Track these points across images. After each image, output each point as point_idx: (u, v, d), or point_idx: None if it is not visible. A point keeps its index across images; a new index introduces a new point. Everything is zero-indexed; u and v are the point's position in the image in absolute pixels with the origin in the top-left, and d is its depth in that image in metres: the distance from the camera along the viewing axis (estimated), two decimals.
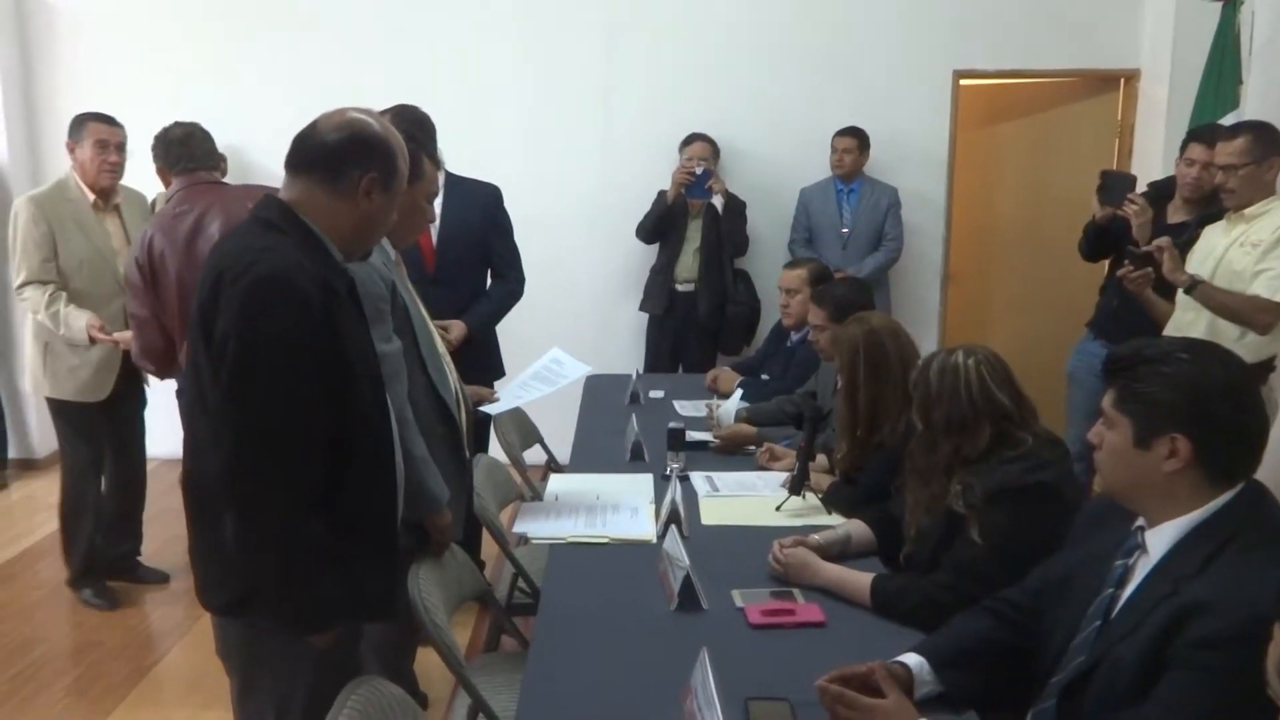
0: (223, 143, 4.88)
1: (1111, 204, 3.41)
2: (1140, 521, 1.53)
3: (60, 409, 3.56)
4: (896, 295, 5.04)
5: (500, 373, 3.50)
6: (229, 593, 1.70)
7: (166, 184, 3.17)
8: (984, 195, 5.40)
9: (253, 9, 5.00)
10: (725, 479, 2.82)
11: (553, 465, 3.81)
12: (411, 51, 4.97)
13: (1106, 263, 3.93)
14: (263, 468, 1.58)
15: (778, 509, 2.53)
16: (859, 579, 2.03)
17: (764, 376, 3.75)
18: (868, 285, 3.89)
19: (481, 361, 3.31)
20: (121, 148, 3.54)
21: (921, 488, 2.10)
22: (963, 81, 5.05)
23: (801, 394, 3.36)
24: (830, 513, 2.51)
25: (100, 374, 3.49)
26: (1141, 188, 3.67)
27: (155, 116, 5.03)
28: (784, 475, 2.70)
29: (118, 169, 3.55)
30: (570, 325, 4.90)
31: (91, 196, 3.52)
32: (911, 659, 1.65)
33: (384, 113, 2.60)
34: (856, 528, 2.28)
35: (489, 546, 3.23)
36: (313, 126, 1.78)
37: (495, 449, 3.34)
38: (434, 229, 3.23)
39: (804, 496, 2.54)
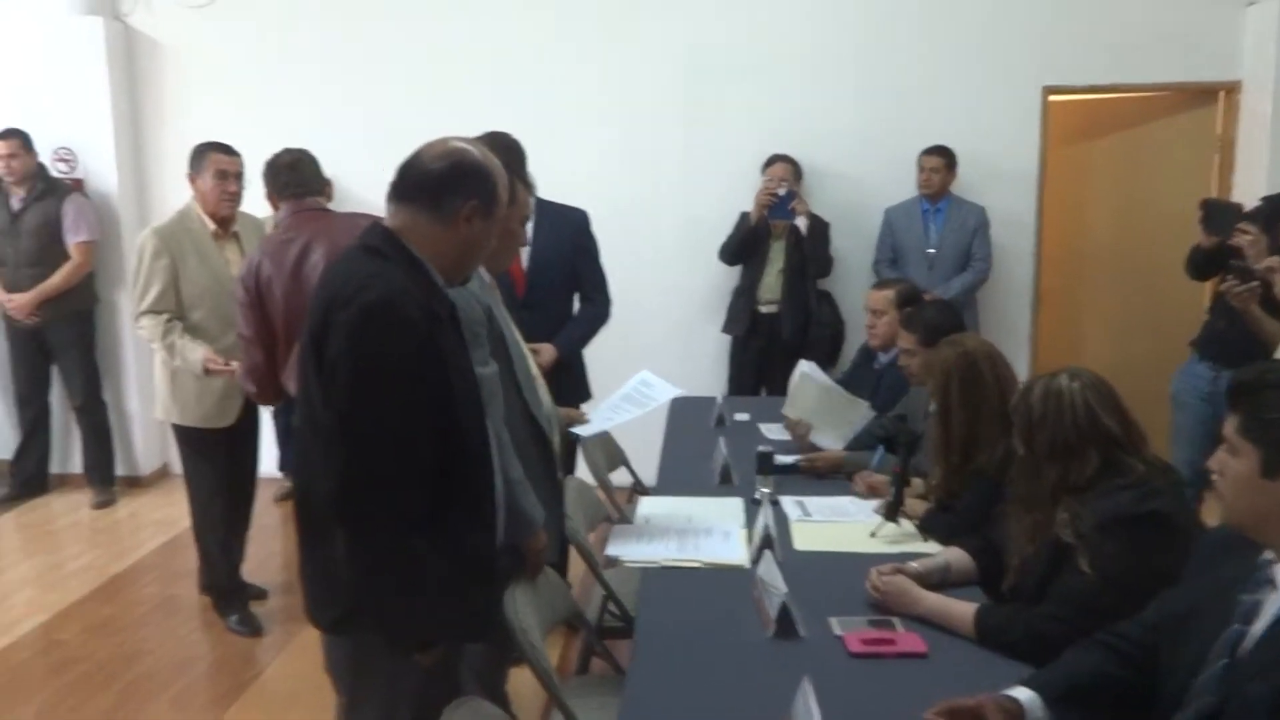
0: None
1: (1218, 233, 3.29)
2: (1268, 554, 1.46)
3: (186, 435, 3.64)
4: (985, 317, 4.94)
5: (587, 395, 3.52)
6: (338, 610, 1.75)
7: (275, 209, 3.26)
8: (1075, 213, 5.27)
9: (347, 45, 5.16)
10: (817, 503, 2.79)
11: (638, 487, 3.82)
12: (495, 79, 5.06)
13: (1212, 283, 3.80)
14: (373, 488, 1.63)
15: (872, 535, 2.50)
16: (962, 608, 1.98)
17: None
18: (957, 308, 3.83)
19: (569, 384, 3.34)
20: (240, 177, 3.64)
21: (1024, 515, 2.05)
22: (1052, 97, 4.94)
23: (891, 417, 3.30)
24: (927, 540, 2.46)
25: (224, 401, 3.55)
26: (1251, 204, 3.53)
27: (257, 148, 5.27)
28: (878, 500, 2.67)
29: (236, 198, 3.65)
30: (653, 347, 4.91)
31: (212, 225, 3.61)
32: (1022, 693, 1.60)
33: (476, 139, 2.68)
34: (956, 556, 2.23)
35: (574, 568, 3.25)
36: (416, 156, 1.83)
37: (582, 470, 3.36)
38: (524, 253, 3.28)
39: (899, 523, 2.50)
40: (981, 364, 2.52)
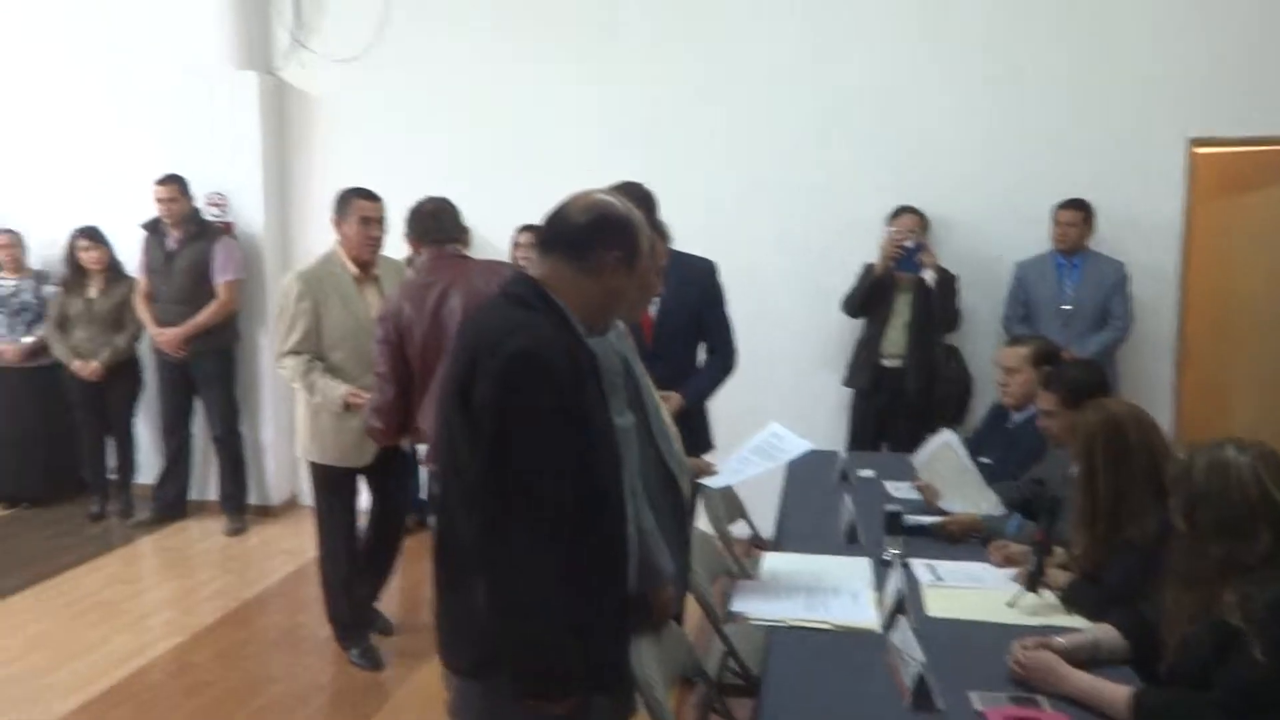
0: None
1: None
2: None
3: (321, 472, 3.72)
4: (1125, 375, 4.72)
5: (709, 446, 3.50)
6: (474, 655, 1.77)
7: (416, 253, 3.33)
8: (1223, 269, 5.01)
9: (485, 98, 5.34)
10: (949, 568, 2.68)
11: (757, 540, 3.77)
12: (625, 128, 5.16)
13: None
14: (516, 536, 1.64)
15: (1010, 604, 2.38)
16: (1116, 690, 1.86)
17: (982, 459, 3.57)
18: (1101, 367, 3.66)
19: (693, 435, 3.31)
20: (382, 222, 3.76)
21: (1184, 593, 1.92)
22: (1198, 149, 4.73)
23: (1028, 480, 3.17)
24: (1070, 613, 2.33)
25: (362, 440, 3.56)
26: None
27: (398, 195, 5.49)
28: (1014, 569, 2.56)
29: (378, 243, 3.75)
30: (772, 398, 4.86)
31: (354, 269, 3.73)
32: None
33: (611, 189, 2.72)
34: (1106, 632, 2.10)
35: (689, 621, 3.21)
36: (562, 208, 1.87)
37: (701, 520, 3.33)
38: (654, 303, 3.30)
39: (1040, 593, 2.38)
40: (1129, 429, 2.40)
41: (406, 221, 3.33)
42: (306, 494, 5.76)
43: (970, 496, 3.13)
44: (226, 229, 5.40)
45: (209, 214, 5.39)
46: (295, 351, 3.62)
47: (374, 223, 3.73)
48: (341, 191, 3.78)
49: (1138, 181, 4.73)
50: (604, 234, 1.82)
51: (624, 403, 2.10)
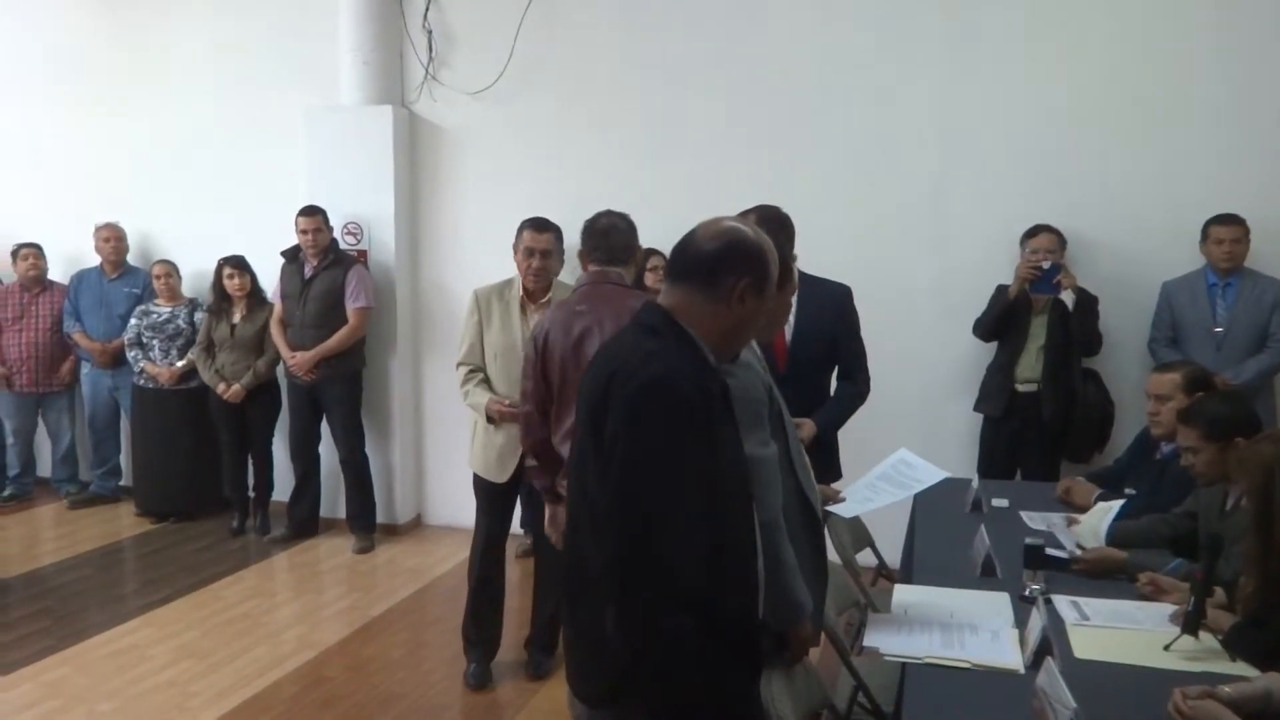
0: (570, 241, 5.34)
1: None
2: None
3: (475, 483, 3.94)
4: None
5: (838, 474, 3.42)
6: (602, 683, 1.75)
7: (585, 268, 3.30)
8: None
9: (597, 123, 5.41)
10: (1095, 606, 2.53)
11: (884, 570, 3.65)
12: (752, 148, 5.12)
13: None
14: (646, 565, 1.63)
15: (1166, 648, 2.23)
16: None
17: (1128, 491, 3.37)
18: (1246, 397, 3.42)
19: (823, 462, 3.25)
20: (547, 254, 3.83)
21: None
22: None
23: (1179, 514, 2.98)
24: (1234, 659, 2.16)
25: (503, 457, 3.78)
26: None
27: (515, 219, 5.60)
28: (1171, 608, 2.39)
29: (541, 273, 3.85)
30: (901, 423, 4.72)
31: (520, 294, 3.91)
32: None
33: (747, 213, 2.70)
34: (1278, 682, 1.94)
35: (815, 652, 3.12)
36: (691, 236, 1.86)
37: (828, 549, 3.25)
38: (789, 328, 3.26)
39: (1199, 637, 2.21)
40: None
41: (581, 234, 3.30)
42: (433, 514, 5.93)
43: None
44: (360, 257, 5.61)
45: (344, 243, 5.62)
46: (462, 362, 3.93)
47: (536, 253, 3.84)
48: (526, 219, 3.93)
49: None
50: (733, 261, 1.80)
51: (768, 434, 2.06)
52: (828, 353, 3.41)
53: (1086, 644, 2.31)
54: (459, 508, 5.77)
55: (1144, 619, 2.45)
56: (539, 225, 3.85)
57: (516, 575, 5.03)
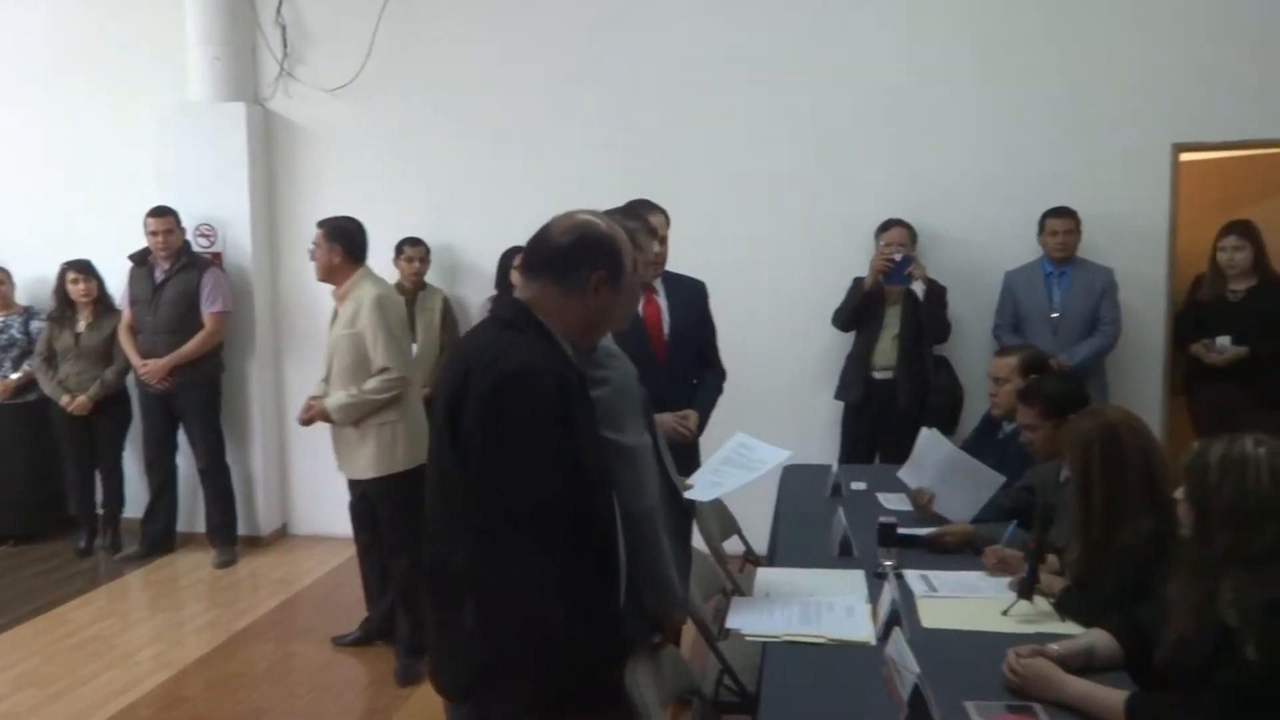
0: (435, 241, 5.28)
1: None
2: None
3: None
4: (1113, 383, 4.72)
5: (698, 463, 3.49)
6: (464, 677, 1.75)
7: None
8: None
9: (463, 121, 5.36)
10: (943, 578, 2.67)
11: (750, 556, 3.75)
12: (616, 146, 5.16)
13: None
14: (505, 556, 1.63)
15: (1005, 613, 2.36)
16: (1110, 696, 1.85)
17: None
18: (1079, 377, 3.67)
19: (687, 453, 3.31)
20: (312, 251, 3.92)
21: (1190, 584, 1.91)
22: (1186, 156, 4.76)
23: (1019, 488, 3.17)
24: (1064, 620, 2.32)
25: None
26: None
27: (387, 223, 5.50)
28: (1009, 577, 2.54)
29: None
30: (765, 413, 4.80)
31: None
32: None
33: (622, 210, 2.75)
34: (1100, 638, 2.09)
35: (685, 638, 3.18)
36: (545, 230, 1.88)
37: (694, 538, 3.31)
38: (665, 322, 3.35)
39: (1034, 601, 2.36)
40: (1125, 435, 2.40)
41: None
42: (299, 523, 5.75)
43: (968, 483, 3.11)
44: (215, 260, 5.39)
45: (197, 245, 5.38)
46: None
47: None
48: None
49: (1124, 188, 4.75)
50: (587, 253, 1.82)
51: (643, 423, 2.09)
52: (696, 345, 3.51)
53: (934, 614, 2.43)
54: (326, 516, 5.63)
55: (986, 588, 2.60)
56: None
57: None
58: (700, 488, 2.82)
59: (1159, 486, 2.31)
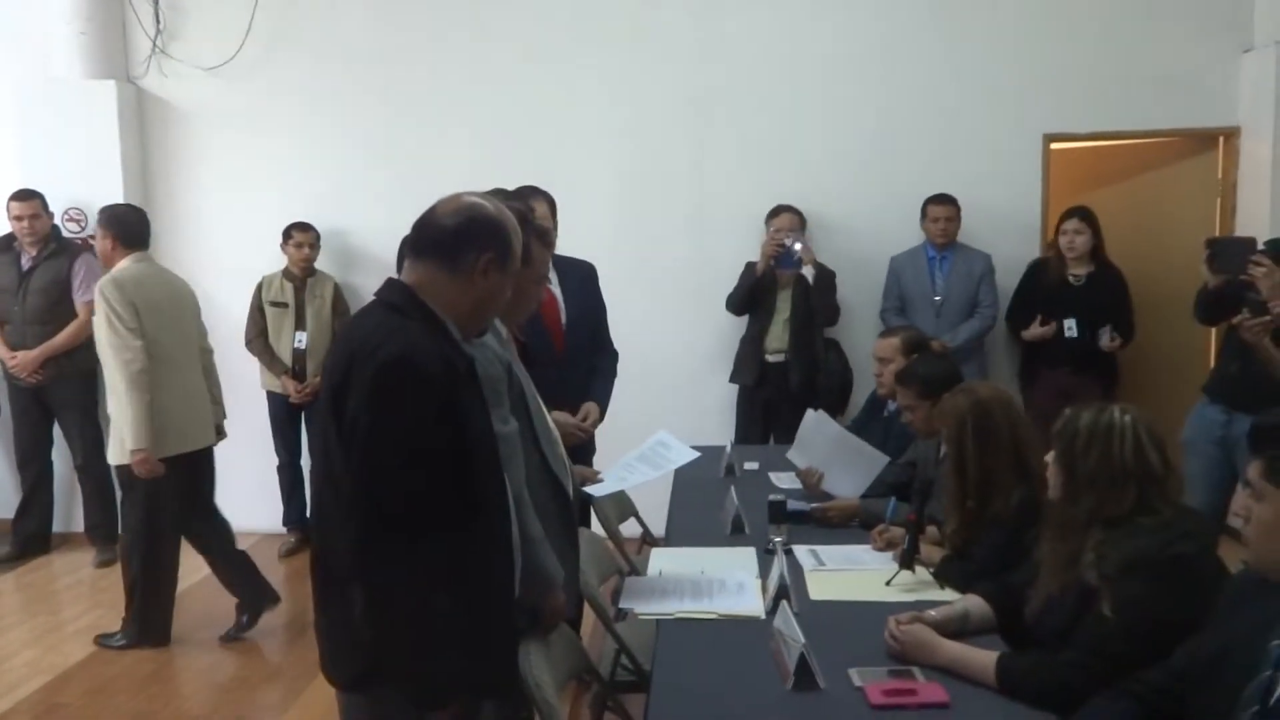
0: (324, 226, 5.15)
1: (1228, 271, 3.28)
2: None
3: None
4: (992, 364, 4.94)
5: (593, 448, 3.51)
6: (355, 667, 1.73)
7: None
8: None
9: (349, 101, 5.24)
10: (830, 552, 2.76)
11: (648, 538, 3.79)
12: (506, 131, 5.12)
13: (1219, 328, 3.80)
14: (392, 544, 1.62)
15: (888, 583, 2.46)
16: (982, 657, 1.95)
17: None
18: (952, 359, 3.82)
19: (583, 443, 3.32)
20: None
21: (1059, 543, 2.03)
22: (1055, 145, 5.00)
23: (902, 464, 3.29)
24: (943, 587, 2.43)
25: None
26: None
27: (269, 206, 5.33)
28: (894, 550, 2.65)
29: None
30: (661, 398, 4.91)
31: None
32: None
33: (507, 193, 2.72)
34: (975, 603, 2.20)
35: (587, 621, 3.21)
36: (430, 212, 1.85)
37: (593, 522, 3.34)
38: (563, 311, 3.31)
39: (915, 571, 2.47)
40: (995, 411, 2.52)
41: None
42: None
43: (854, 462, 3.21)
44: (86, 245, 5.13)
45: (66, 230, 5.13)
46: None
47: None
48: None
49: (1000, 176, 4.96)
50: (474, 236, 1.80)
51: (507, 411, 2.09)
52: (593, 331, 3.48)
53: (821, 586, 2.51)
54: None
55: (871, 560, 2.70)
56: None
57: (281, 574, 4.81)
58: (609, 482, 2.86)
59: (1028, 458, 2.43)
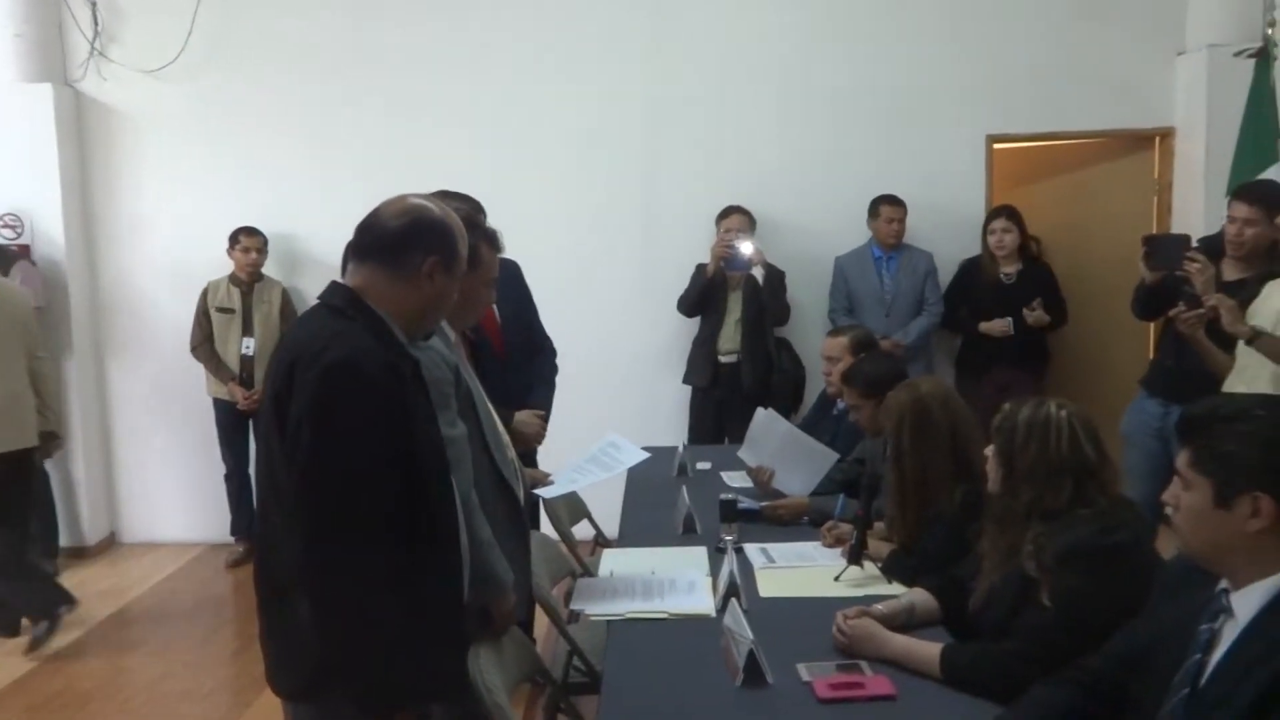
0: (272, 231, 5.08)
1: (1165, 267, 3.37)
2: (1224, 584, 1.49)
3: None
4: (939, 360, 5.01)
5: (535, 455, 3.48)
6: (301, 677, 1.71)
7: None
8: None
9: (295, 103, 5.17)
10: (781, 550, 2.78)
11: (601, 540, 3.79)
12: (453, 135, 5.09)
13: (1156, 323, 3.90)
14: (338, 551, 1.60)
15: (837, 579, 2.49)
16: (927, 649, 1.98)
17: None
18: (896, 359, 3.87)
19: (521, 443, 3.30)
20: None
21: (999, 535, 2.07)
22: (997, 145, 5.09)
23: (850, 461, 3.32)
24: (890, 582, 2.46)
25: None
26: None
27: (211, 211, 5.24)
28: (844, 547, 2.67)
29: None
30: (614, 400, 4.93)
31: None
32: None
33: (449, 197, 2.69)
34: (920, 597, 2.23)
35: (540, 624, 3.20)
36: (375, 214, 1.83)
37: (545, 524, 3.33)
38: (498, 313, 3.28)
39: (863, 566, 2.50)
40: (933, 407, 2.55)
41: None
42: (129, 531, 5.44)
43: (804, 459, 3.23)
44: (23, 252, 5.01)
45: (3, 237, 5.00)
46: None
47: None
48: None
49: (945, 176, 5.03)
50: (419, 238, 1.79)
51: (455, 414, 2.07)
52: (528, 331, 3.46)
53: (771, 584, 2.53)
54: (159, 522, 5.37)
55: (820, 557, 2.73)
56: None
57: (229, 584, 4.74)
58: (559, 484, 2.85)
59: (967, 454, 2.47)
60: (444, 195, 2.70)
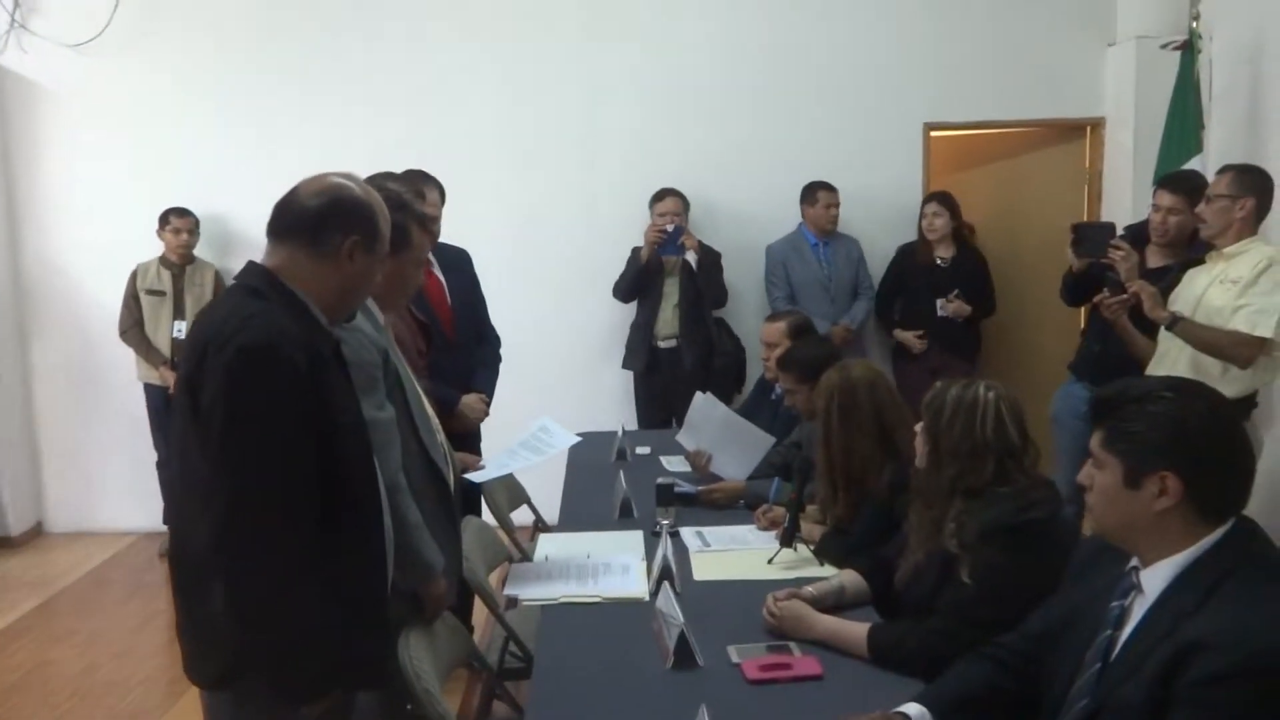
0: (204, 212, 4.96)
1: (1091, 255, 3.44)
2: (1134, 562, 1.53)
3: None
4: (874, 345, 5.08)
5: (478, 437, 3.48)
6: (218, 665, 1.67)
7: None
8: None
9: (228, 80, 5.05)
10: (716, 533, 2.80)
11: (540, 525, 3.77)
12: (391, 116, 5.01)
13: (1084, 309, 3.99)
14: (252, 536, 1.57)
15: (770, 562, 2.51)
16: (855, 629, 2.01)
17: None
18: (830, 343, 3.91)
19: (464, 425, 3.29)
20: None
21: (924, 511, 2.10)
22: (933, 133, 5.15)
23: (787, 445, 3.35)
24: (823, 564, 2.49)
25: None
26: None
27: (142, 190, 5.11)
28: (776, 528, 2.69)
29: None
30: (554, 386, 4.91)
31: None
32: (913, 709, 1.63)
33: (394, 176, 2.66)
34: (850, 578, 2.26)
35: (479, 610, 3.18)
36: (293, 193, 1.79)
37: (486, 511, 3.31)
38: (447, 295, 3.29)
39: (796, 548, 2.52)
40: (859, 389, 2.58)
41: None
42: (56, 520, 5.29)
43: (742, 443, 3.25)
44: None
45: None
46: None
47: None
48: None
49: (882, 163, 5.08)
50: (339, 218, 1.75)
51: (383, 397, 2.04)
52: (475, 317, 3.47)
53: (706, 567, 2.54)
54: (89, 511, 5.24)
55: (755, 540, 2.75)
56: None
57: (161, 575, 4.63)
58: (490, 468, 2.84)
59: (894, 435, 2.51)
60: (394, 175, 2.68)
